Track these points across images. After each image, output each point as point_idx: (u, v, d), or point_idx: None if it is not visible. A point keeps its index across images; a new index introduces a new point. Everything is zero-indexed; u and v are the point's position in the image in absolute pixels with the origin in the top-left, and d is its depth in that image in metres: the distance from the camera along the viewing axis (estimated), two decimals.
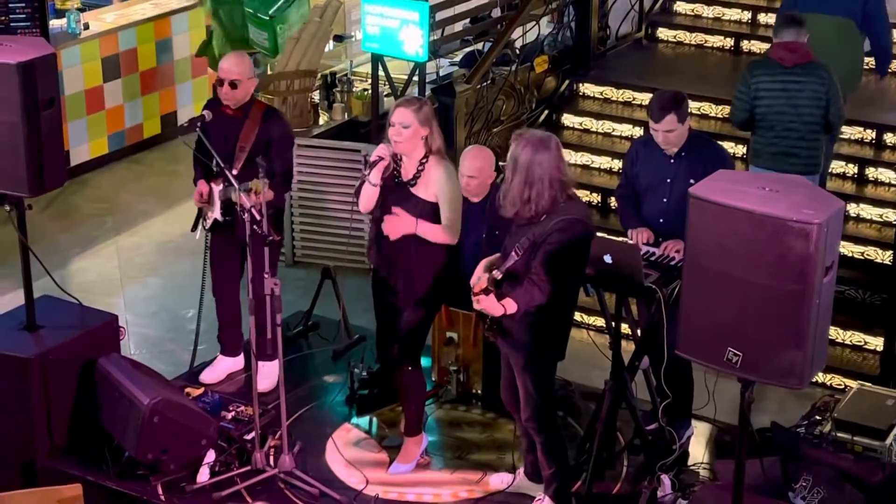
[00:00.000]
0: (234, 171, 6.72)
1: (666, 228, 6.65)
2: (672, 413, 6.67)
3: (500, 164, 7.08)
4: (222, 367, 7.51)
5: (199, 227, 7.24)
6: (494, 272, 5.83)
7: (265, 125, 6.99)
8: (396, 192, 6.32)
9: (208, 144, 6.68)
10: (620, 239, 6.39)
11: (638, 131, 9.71)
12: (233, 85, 6.95)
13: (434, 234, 6.29)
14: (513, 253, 5.79)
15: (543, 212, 5.79)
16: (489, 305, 5.77)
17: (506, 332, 5.92)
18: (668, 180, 6.69)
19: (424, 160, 6.30)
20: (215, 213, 7.09)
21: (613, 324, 6.47)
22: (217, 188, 7.05)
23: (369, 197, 6.35)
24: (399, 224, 6.27)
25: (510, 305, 5.76)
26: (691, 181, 5.85)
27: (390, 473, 6.64)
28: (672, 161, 6.70)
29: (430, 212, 6.28)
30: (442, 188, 6.26)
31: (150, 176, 11.10)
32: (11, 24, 10.33)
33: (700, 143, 6.75)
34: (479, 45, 10.51)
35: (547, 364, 6.05)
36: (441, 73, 10.30)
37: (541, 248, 5.75)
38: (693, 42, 11.01)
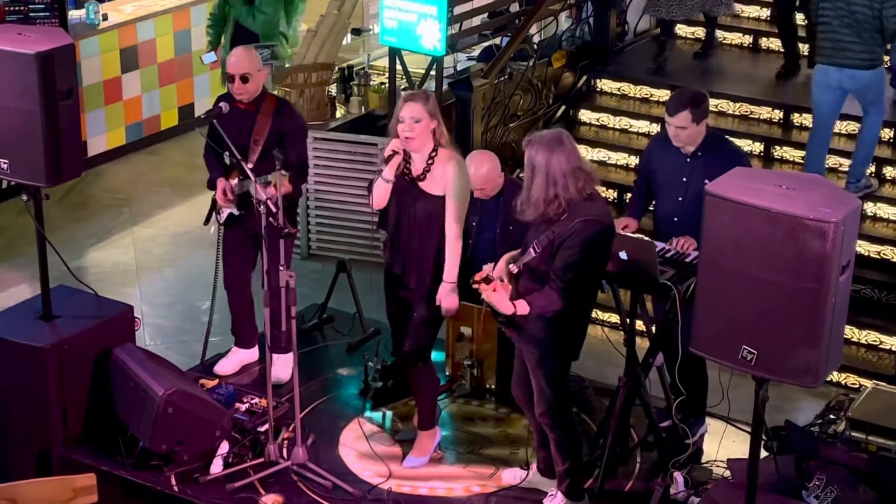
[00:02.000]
0: (250, 165, 6.72)
1: (680, 227, 6.63)
2: (686, 410, 6.67)
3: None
4: (236, 359, 7.52)
5: (213, 220, 7.24)
6: (511, 266, 5.81)
7: (278, 118, 6.99)
8: (407, 189, 6.28)
9: (225, 136, 6.66)
10: (636, 236, 6.38)
11: (655, 128, 9.69)
12: (244, 79, 6.94)
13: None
14: (531, 249, 5.77)
15: (569, 205, 5.70)
16: (498, 301, 5.68)
17: (520, 328, 5.89)
18: (684, 179, 6.66)
19: (434, 153, 6.26)
20: (231, 208, 7.09)
21: (628, 320, 6.46)
22: (233, 183, 7.05)
23: (382, 193, 6.30)
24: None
25: (522, 307, 5.69)
26: (706, 181, 5.83)
27: (404, 467, 6.64)
28: (688, 160, 6.68)
29: (440, 207, 6.23)
30: (450, 182, 6.20)
31: (166, 167, 11.13)
32: (31, 15, 10.37)
33: (717, 142, 6.72)
34: (497, 40, 10.50)
35: (560, 363, 6.03)
36: (458, 68, 10.29)
37: (560, 251, 5.69)
38: None
